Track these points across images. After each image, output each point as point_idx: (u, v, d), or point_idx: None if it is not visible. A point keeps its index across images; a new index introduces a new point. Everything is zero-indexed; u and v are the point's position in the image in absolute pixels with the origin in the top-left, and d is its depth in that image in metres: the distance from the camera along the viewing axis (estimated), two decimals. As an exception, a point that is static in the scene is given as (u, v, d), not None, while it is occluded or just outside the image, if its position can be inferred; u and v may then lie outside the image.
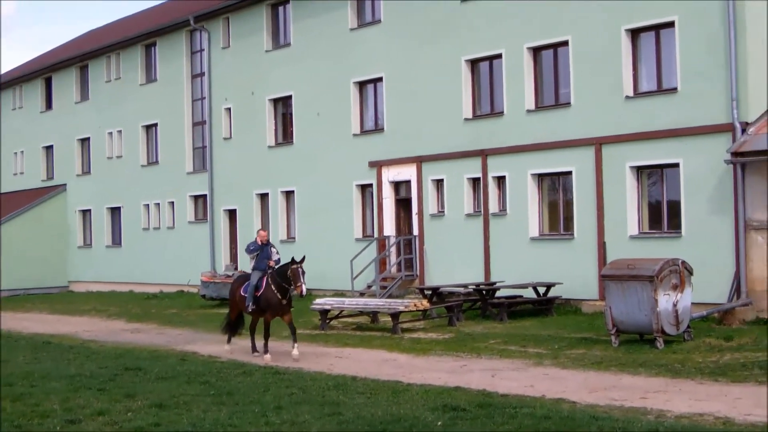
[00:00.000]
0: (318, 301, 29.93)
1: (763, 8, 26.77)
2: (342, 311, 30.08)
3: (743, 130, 26.00)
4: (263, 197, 42.36)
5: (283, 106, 41.75)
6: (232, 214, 44.32)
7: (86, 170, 54.20)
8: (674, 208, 28.14)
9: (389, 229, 36.39)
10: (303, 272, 22.18)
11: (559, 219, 31.37)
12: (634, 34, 29.06)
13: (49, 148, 57.59)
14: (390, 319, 27.66)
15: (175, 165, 47.38)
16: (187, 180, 46.69)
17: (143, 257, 49.37)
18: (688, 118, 27.37)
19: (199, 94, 46.34)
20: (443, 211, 34.35)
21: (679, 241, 27.50)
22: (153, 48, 49.35)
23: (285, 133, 41.67)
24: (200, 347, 25.62)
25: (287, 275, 22.30)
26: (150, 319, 34.89)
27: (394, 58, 36.06)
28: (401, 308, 27.66)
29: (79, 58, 54.20)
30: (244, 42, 42.99)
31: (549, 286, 29.88)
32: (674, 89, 27.93)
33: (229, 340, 24.40)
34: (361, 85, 37.86)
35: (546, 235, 31.53)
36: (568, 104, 30.63)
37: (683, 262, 22.43)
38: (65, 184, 55.65)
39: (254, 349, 23.61)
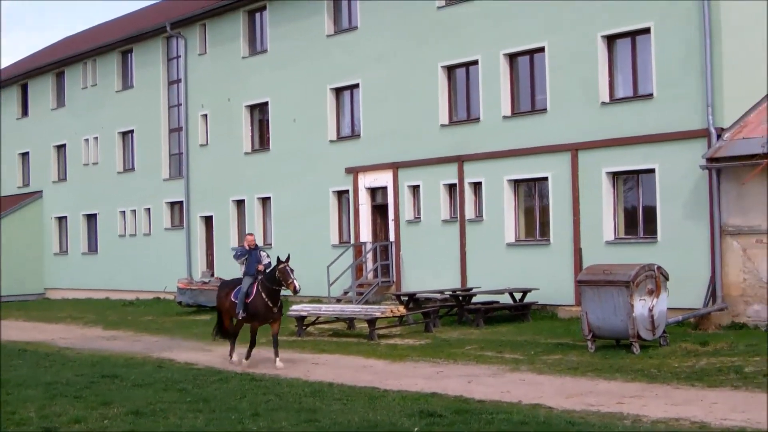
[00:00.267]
0: (294, 307, 29.89)
1: (738, 14, 26.90)
2: (318, 317, 30.06)
3: (718, 136, 26.11)
4: (240, 204, 42.31)
5: (259, 112, 41.71)
6: (208, 220, 44.26)
7: (62, 177, 54.05)
8: (650, 213, 28.24)
9: (366, 235, 36.40)
10: (291, 270, 22.14)
11: (535, 225, 31.44)
12: (610, 40, 29.17)
13: (25, 155, 57.37)
14: (366, 325, 27.63)
15: (151, 171, 47.27)
16: (163, 186, 46.58)
17: (119, 264, 49.21)
18: (664, 124, 27.48)
19: (175, 101, 46.27)
20: (419, 217, 34.39)
21: (654, 246, 27.59)
22: (129, 54, 49.26)
23: (261, 140, 41.64)
24: (177, 354, 25.52)
25: (276, 277, 22.21)
26: (126, 326, 34.75)
27: (371, 64, 36.09)
28: (378, 314, 27.66)
29: (55, 64, 54.08)
30: (220, 48, 42.94)
31: (525, 292, 29.94)
32: (650, 95, 28.05)
33: (231, 353, 23.52)
34: (338, 91, 37.87)
35: (522, 240, 31.59)
36: (544, 110, 30.70)
37: (659, 268, 22.49)
38: (41, 191, 55.45)
39: (232, 354, 23.44)
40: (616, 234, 29.02)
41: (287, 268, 22.11)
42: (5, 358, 24.91)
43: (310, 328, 29.50)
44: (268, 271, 22.64)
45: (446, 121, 33.58)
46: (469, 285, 32.12)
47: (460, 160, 32.79)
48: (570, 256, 29.71)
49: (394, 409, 15.54)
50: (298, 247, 37.37)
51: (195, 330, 31.84)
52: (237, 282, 23.44)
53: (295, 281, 21.99)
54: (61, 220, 54.42)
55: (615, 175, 29.05)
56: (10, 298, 52.10)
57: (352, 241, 36.77)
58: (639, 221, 28.73)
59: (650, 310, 22.05)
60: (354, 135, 37.25)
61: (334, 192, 37.76)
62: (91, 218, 51.94)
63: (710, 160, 25.74)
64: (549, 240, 30.53)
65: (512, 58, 31.84)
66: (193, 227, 44.75)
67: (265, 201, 41.12)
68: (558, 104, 30.21)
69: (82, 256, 52.40)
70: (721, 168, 25.72)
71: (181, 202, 45.61)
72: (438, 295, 31.25)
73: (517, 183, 31.71)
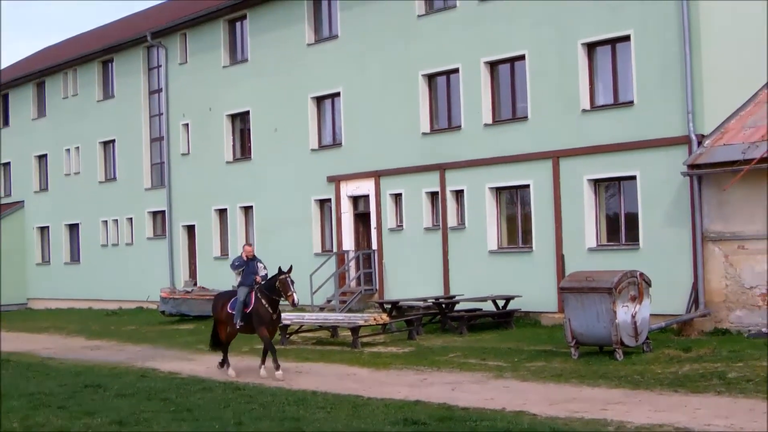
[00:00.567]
0: (278, 316, 29.83)
1: (718, 21, 26.99)
2: (302, 326, 30.01)
3: (699, 143, 26.19)
4: (222, 213, 42.27)
5: (240, 121, 41.69)
6: (190, 229, 44.19)
7: (44, 187, 53.90)
8: (632, 220, 28.30)
9: (348, 243, 36.40)
10: (292, 282, 21.87)
11: (517, 232, 31.48)
12: (590, 48, 29.25)
13: (6, 165, 57.20)
14: (350, 333, 27.60)
15: (133, 181, 47.19)
16: (145, 196, 46.50)
17: (102, 274, 49.09)
18: (645, 131, 27.55)
19: (156, 110, 46.22)
20: (402, 225, 34.40)
21: (637, 253, 27.65)
22: (110, 64, 49.20)
23: (243, 149, 41.61)
24: (160, 363, 25.48)
25: (276, 287, 21.95)
26: (109, 336, 34.66)
27: (352, 73, 36.11)
28: (361, 322, 27.66)
29: (35, 74, 53.96)
30: (201, 58, 42.91)
31: (508, 299, 29.98)
32: (630, 102, 28.12)
33: (225, 364, 23.21)
34: (319, 100, 37.87)
35: (504, 248, 31.63)
36: (525, 118, 30.75)
37: (641, 274, 22.54)
38: (23, 201, 55.31)
39: (222, 364, 23.20)
40: (599, 241, 29.07)
41: (288, 279, 21.83)
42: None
43: (294, 337, 29.48)
44: (265, 281, 22.42)
45: (428, 129, 33.61)
46: (452, 293, 32.14)
47: (441, 168, 32.83)
48: (552, 263, 29.75)
49: (378, 417, 15.53)
50: (280, 256, 37.09)
51: (178, 339, 31.78)
52: (232, 293, 23.30)
53: (294, 294, 21.73)
54: (43, 230, 54.27)
55: (596, 183, 29.11)
56: (-8, 309, 51.99)
57: (335, 249, 36.75)
58: (621, 228, 28.79)
59: (633, 317, 22.10)
60: (335, 143, 37.25)
61: (316, 200, 37.75)
62: (73, 228, 51.81)
63: (691, 166, 25.82)
64: (531, 247, 30.56)
65: (493, 66, 31.90)
66: (176, 236, 44.67)
67: (247, 210, 41.09)
68: (539, 112, 30.27)
69: (65, 266, 52.26)
70: (703, 174, 25.80)
71: (163, 212, 45.52)
72: (421, 303, 31.25)
73: (498, 191, 31.75)
